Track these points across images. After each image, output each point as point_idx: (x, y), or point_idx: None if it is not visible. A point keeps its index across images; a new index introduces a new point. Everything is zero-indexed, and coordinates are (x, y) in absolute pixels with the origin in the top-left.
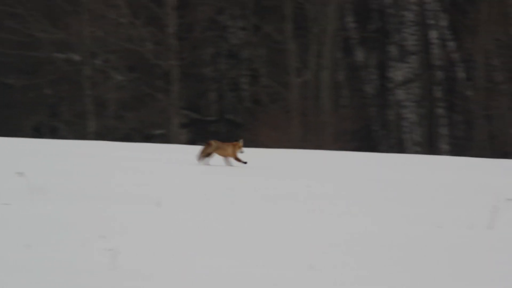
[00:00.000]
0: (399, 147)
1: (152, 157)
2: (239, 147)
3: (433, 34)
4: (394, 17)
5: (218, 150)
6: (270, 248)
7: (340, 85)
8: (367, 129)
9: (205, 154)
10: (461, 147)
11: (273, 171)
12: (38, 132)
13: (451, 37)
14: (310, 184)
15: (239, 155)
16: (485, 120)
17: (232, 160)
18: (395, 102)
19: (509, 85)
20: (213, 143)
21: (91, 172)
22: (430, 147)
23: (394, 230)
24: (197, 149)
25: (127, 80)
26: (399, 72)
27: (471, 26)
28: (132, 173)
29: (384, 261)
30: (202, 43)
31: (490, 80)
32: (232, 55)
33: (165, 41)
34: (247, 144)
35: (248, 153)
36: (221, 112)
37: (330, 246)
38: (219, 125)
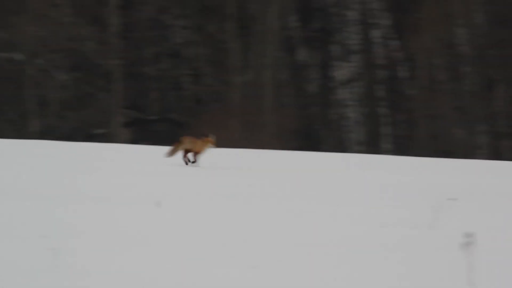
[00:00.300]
0: (341, 146)
1: (95, 157)
2: (211, 143)
3: (376, 33)
4: (337, 16)
5: (191, 145)
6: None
7: (282, 84)
8: (309, 128)
9: (177, 151)
10: (404, 146)
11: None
12: None
13: (393, 36)
14: (252, 183)
15: (203, 153)
16: (427, 120)
17: (193, 156)
18: (337, 101)
19: (452, 84)
20: (185, 139)
21: (37, 171)
22: (372, 147)
23: (336, 230)
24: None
25: (69, 79)
26: (341, 71)
27: (414, 25)
28: (80, 172)
29: (325, 260)
30: (144, 42)
31: (432, 80)
32: (175, 54)
33: (107, 40)
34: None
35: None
36: (163, 111)
37: (273, 246)
38: (161, 124)
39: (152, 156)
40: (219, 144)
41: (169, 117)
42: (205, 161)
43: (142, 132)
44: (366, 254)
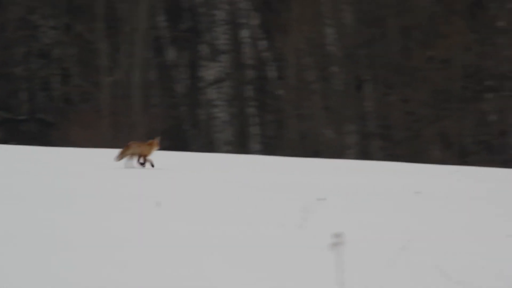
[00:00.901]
0: (210, 147)
1: None
2: (156, 145)
3: (245, 33)
4: (205, 16)
5: (137, 149)
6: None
7: (151, 85)
8: (178, 128)
9: (124, 156)
10: (273, 147)
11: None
12: None
13: (262, 36)
14: (123, 183)
15: (152, 156)
16: (296, 119)
17: (140, 159)
18: (206, 101)
19: (321, 84)
20: (133, 144)
21: None
22: (241, 147)
23: (204, 229)
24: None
25: None
26: (210, 71)
27: (283, 25)
28: None
29: (194, 259)
30: (13, 42)
31: (301, 79)
32: (44, 54)
33: None
34: (58, 143)
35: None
36: (32, 111)
37: (141, 246)
38: (30, 124)
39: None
40: (89, 144)
41: (39, 117)
42: (85, 161)
43: (12, 132)
44: (234, 253)
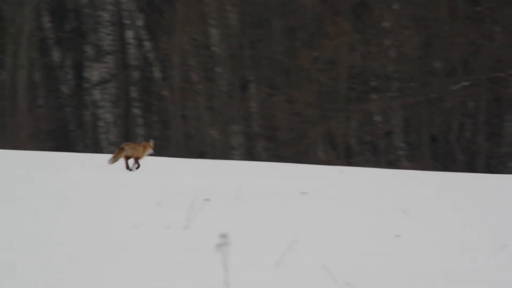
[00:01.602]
0: (95, 147)
1: None
2: (150, 147)
3: (130, 34)
4: (90, 17)
5: (133, 151)
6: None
7: (36, 85)
8: (63, 129)
9: (119, 158)
10: (158, 147)
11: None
12: None
13: (147, 37)
14: (7, 184)
15: (145, 157)
16: (181, 120)
17: (135, 161)
18: (91, 102)
19: (205, 84)
20: (126, 146)
21: None
22: None
23: (90, 232)
24: None
25: None
26: (95, 72)
27: (168, 26)
28: None
29: (80, 261)
30: None
31: (186, 80)
32: None
33: None
34: None
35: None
36: None
37: (28, 247)
38: None
39: None
40: None
41: None
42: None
43: None
44: (120, 254)
